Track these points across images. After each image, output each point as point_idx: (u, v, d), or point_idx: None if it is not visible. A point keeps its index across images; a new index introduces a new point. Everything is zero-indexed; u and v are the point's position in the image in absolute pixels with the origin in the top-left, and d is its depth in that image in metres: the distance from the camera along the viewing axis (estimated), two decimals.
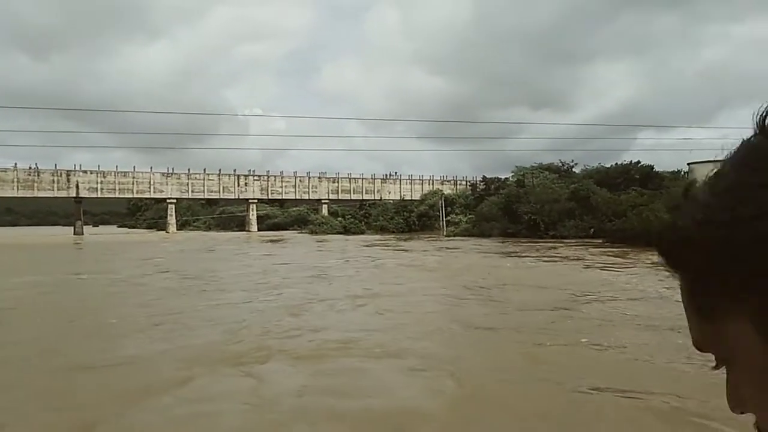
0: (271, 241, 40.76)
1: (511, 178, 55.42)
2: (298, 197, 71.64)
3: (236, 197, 68.35)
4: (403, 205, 65.21)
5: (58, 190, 59.60)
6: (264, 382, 5.62)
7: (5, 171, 56.96)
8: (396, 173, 77.06)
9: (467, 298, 10.93)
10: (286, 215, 72.97)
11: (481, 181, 60.97)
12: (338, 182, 72.94)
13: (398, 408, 4.87)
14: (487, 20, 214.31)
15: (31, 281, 14.77)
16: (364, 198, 73.54)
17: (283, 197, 71.66)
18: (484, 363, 6.27)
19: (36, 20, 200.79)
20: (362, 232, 58.77)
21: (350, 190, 73.54)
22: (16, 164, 57.58)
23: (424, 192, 70.30)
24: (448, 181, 76.25)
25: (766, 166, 0.33)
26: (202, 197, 68.80)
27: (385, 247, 31.06)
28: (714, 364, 0.40)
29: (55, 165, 59.48)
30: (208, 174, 66.05)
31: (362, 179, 74.22)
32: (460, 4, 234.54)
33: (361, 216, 66.75)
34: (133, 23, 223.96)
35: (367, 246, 32.70)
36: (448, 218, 54.34)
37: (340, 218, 62.85)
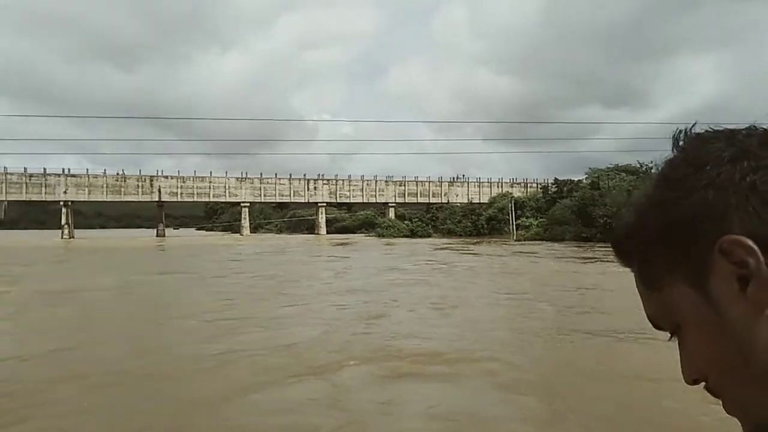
0: (341, 244, 41.30)
1: (584, 180, 53.36)
2: (365, 200, 72.35)
3: (306, 201, 69.93)
4: (471, 209, 64.35)
5: (142, 194, 63.36)
6: (346, 390, 5.46)
7: (96, 177, 61.23)
8: (464, 176, 76.18)
9: (568, 307, 10.39)
10: (354, 218, 73.94)
11: (552, 184, 59.13)
12: (405, 185, 72.99)
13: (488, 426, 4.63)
14: (558, 16, 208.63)
15: (124, 280, 15.61)
16: (431, 201, 73.23)
17: (351, 201, 72.61)
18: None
19: (124, 34, 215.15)
20: (429, 236, 58.53)
21: (417, 194, 73.41)
22: (105, 171, 61.88)
23: (492, 195, 69.06)
24: (517, 184, 74.52)
25: (678, 166, 0.45)
26: (273, 201, 70.93)
27: (456, 251, 30.62)
28: (668, 337, 0.48)
29: (140, 171, 63.36)
30: (279, 178, 67.98)
31: (429, 182, 73.91)
32: (530, 1, 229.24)
33: (428, 219, 66.49)
34: (209, 34, 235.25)
35: (437, 249, 32.40)
36: (518, 222, 53.06)
37: (407, 221, 62.88)
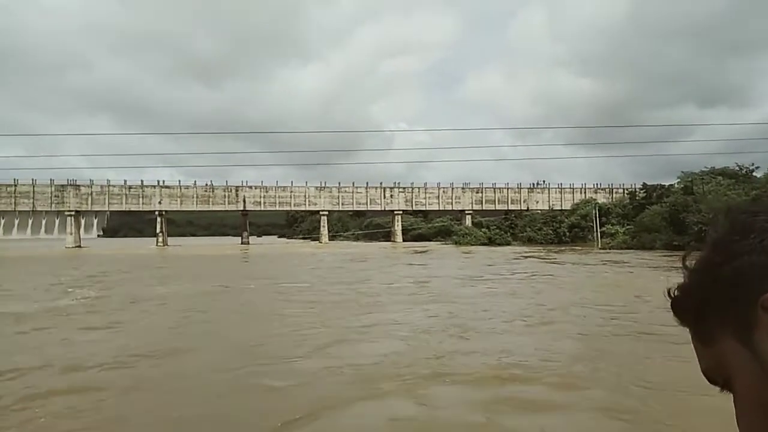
0: (418, 252, 41.17)
1: (676, 185, 50.11)
2: (441, 208, 71.93)
3: (382, 209, 70.57)
4: (551, 216, 62.25)
5: (228, 204, 66.57)
6: (436, 408, 5.22)
7: (187, 188, 65.08)
8: (544, 182, 73.97)
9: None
10: (430, 226, 73.69)
11: (640, 189, 55.93)
12: (482, 192, 71.87)
13: None
14: (645, 14, 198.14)
15: (208, 289, 16.36)
16: (509, 208, 71.58)
17: (427, 208, 72.44)
18: None
19: (210, 53, 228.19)
20: (508, 244, 57.12)
21: (495, 201, 72.06)
22: (195, 182, 65.60)
23: (575, 201, 66.51)
24: (602, 189, 71.30)
25: (727, 233, 0.51)
26: (351, 209, 72.14)
27: (541, 259, 29.55)
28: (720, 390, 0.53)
29: (226, 182, 66.63)
30: (357, 187, 69.10)
31: (507, 189, 72.36)
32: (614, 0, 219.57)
33: (506, 227, 64.99)
34: (289, 50, 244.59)
35: (519, 258, 31.51)
36: (603, 229, 50.60)
37: (484, 229, 61.76)
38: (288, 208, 72.23)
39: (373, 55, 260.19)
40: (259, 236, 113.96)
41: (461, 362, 6.87)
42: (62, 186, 61.76)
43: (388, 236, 71.79)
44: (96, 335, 8.88)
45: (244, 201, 66.09)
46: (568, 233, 58.77)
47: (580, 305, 11.84)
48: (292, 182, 68.10)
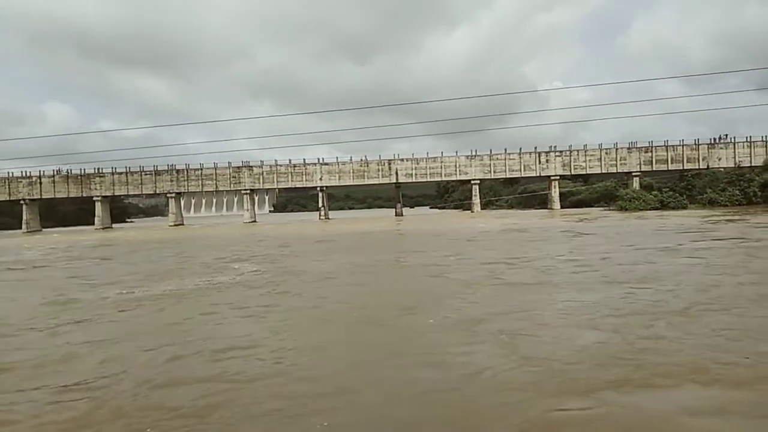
0: (581, 219, 38.44)
1: None
2: (604, 171, 66.45)
3: (537, 175, 67.35)
4: (739, 174, 54.32)
5: (382, 177, 68.61)
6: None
7: (344, 164, 68.36)
8: (727, 136, 64.43)
9: None
10: (591, 191, 68.72)
11: None
12: (652, 152, 64.84)
13: None
14: None
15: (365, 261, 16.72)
16: (685, 168, 63.93)
17: (588, 172, 67.39)
18: None
19: (358, 29, 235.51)
20: (684, 207, 51.19)
21: (667, 160, 64.65)
22: (351, 158, 68.57)
23: None
24: None
25: None
26: (503, 176, 69.93)
27: (744, 223, 25.69)
28: None
29: (379, 156, 68.54)
30: (509, 153, 66.69)
31: (682, 146, 64.36)
32: None
33: (681, 188, 58.23)
34: (434, 17, 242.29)
35: (709, 222, 27.79)
36: None
37: (654, 192, 55.90)
38: (439, 179, 72.30)
39: (525, 9, 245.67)
40: (411, 207, 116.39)
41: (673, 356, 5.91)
42: (238, 167, 68.64)
43: (544, 203, 68.62)
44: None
45: (397, 174, 67.58)
46: (759, 193, 50.93)
47: None
48: (442, 153, 67.91)
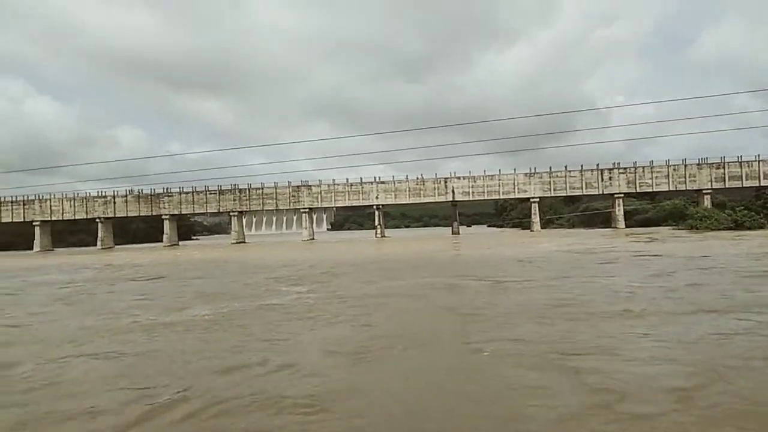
0: (652, 239, 36.76)
1: None
2: (671, 189, 63.58)
3: (600, 192, 65.23)
4: None
5: (438, 195, 68.43)
6: None
7: (400, 182, 68.72)
8: None
9: None
10: (659, 209, 65.78)
11: None
12: (724, 168, 61.54)
13: None
14: None
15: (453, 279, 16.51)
16: (761, 184, 60.23)
17: (654, 189, 64.62)
18: None
19: (411, 49, 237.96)
20: (761, 227, 48.15)
21: (741, 177, 61.17)
22: (407, 176, 68.83)
23: None
24: None
25: None
26: (564, 194, 68.15)
27: None
28: None
29: (435, 174, 68.48)
30: (570, 171, 65.03)
31: (758, 162, 60.77)
32: None
33: (758, 207, 54.78)
34: (488, 34, 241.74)
35: None
36: None
37: (728, 210, 52.86)
38: (496, 197, 71.35)
39: (584, 25, 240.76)
40: (468, 226, 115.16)
41: None
42: (297, 187, 70.29)
43: (607, 222, 66.25)
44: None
45: (453, 192, 67.22)
46: None
47: None
48: (500, 170, 67.09)
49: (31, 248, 70.83)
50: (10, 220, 73.00)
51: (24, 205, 72.74)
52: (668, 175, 62.80)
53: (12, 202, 72.88)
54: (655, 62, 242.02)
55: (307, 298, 13.04)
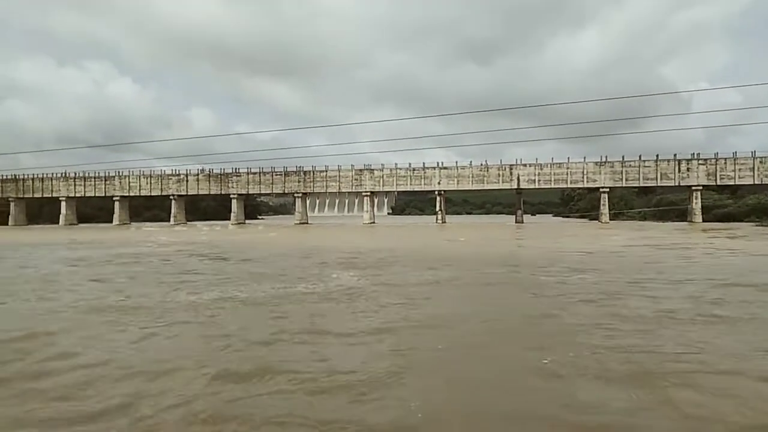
0: (733, 236, 34.42)
1: None
2: (756, 182, 59.37)
3: (676, 184, 61.87)
4: None
5: (502, 182, 67.14)
6: None
7: (463, 168, 67.90)
8: None
9: None
10: (741, 204, 61.65)
11: None
12: None
13: None
14: None
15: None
16: None
17: (737, 183, 60.57)
18: None
19: (482, 32, 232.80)
20: None
21: None
22: (471, 162, 67.95)
23: None
24: None
25: None
26: (636, 185, 65.13)
27: None
28: None
29: (500, 160, 67.17)
30: (644, 161, 62.01)
31: None
32: None
33: None
34: (561, 17, 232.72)
35: None
36: None
37: None
38: (564, 186, 69.11)
39: (664, 6, 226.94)
40: (533, 215, 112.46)
41: None
42: (360, 170, 70.98)
43: (682, 215, 62.83)
44: None
45: (518, 179, 65.74)
46: None
47: None
48: (568, 158, 64.92)
49: (111, 221, 75.61)
50: (93, 194, 78.09)
51: (105, 181, 77.56)
52: (753, 168, 58.68)
53: (95, 177, 77.86)
54: (745, 46, 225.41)
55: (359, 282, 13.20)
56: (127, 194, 77.21)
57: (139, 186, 76.90)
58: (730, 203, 63.02)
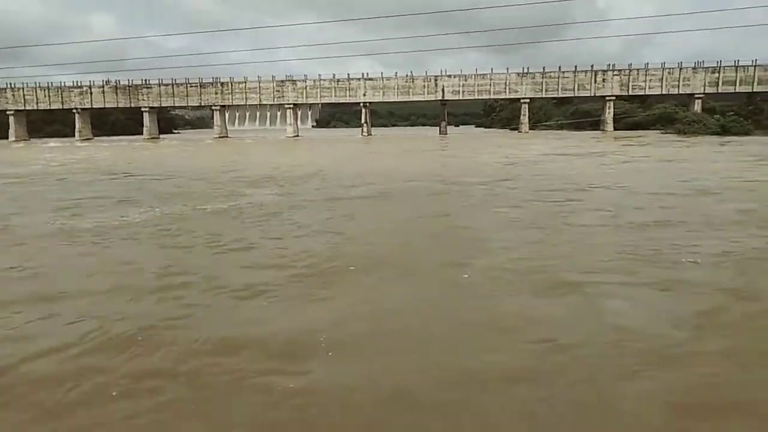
0: (644, 143, 36.47)
1: None
2: (664, 92, 62.50)
3: (592, 95, 64.01)
4: None
5: (427, 94, 66.58)
6: None
7: (389, 79, 66.43)
8: None
9: None
10: (648, 113, 65.15)
11: None
12: (719, 72, 60.25)
13: None
14: None
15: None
16: (755, 90, 59.51)
17: (647, 93, 63.43)
18: None
19: None
20: (746, 133, 48.18)
21: (735, 82, 60.15)
22: (396, 73, 66.46)
23: None
24: None
25: None
26: (555, 96, 66.76)
27: None
28: None
29: (426, 72, 66.17)
30: (563, 72, 63.24)
31: (754, 67, 59.44)
32: None
33: (748, 113, 54.59)
34: None
35: None
36: None
37: (717, 116, 52.62)
38: (487, 97, 69.68)
39: None
40: (456, 126, 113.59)
41: None
42: (282, 81, 67.72)
43: (595, 125, 65.65)
44: None
45: (443, 90, 65.43)
46: None
47: None
48: (491, 69, 64.97)
49: (6, 138, 68.54)
50: None
51: None
52: (662, 78, 61.52)
53: None
54: None
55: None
56: (23, 108, 69.83)
57: (36, 99, 69.56)
58: (639, 112, 66.40)
